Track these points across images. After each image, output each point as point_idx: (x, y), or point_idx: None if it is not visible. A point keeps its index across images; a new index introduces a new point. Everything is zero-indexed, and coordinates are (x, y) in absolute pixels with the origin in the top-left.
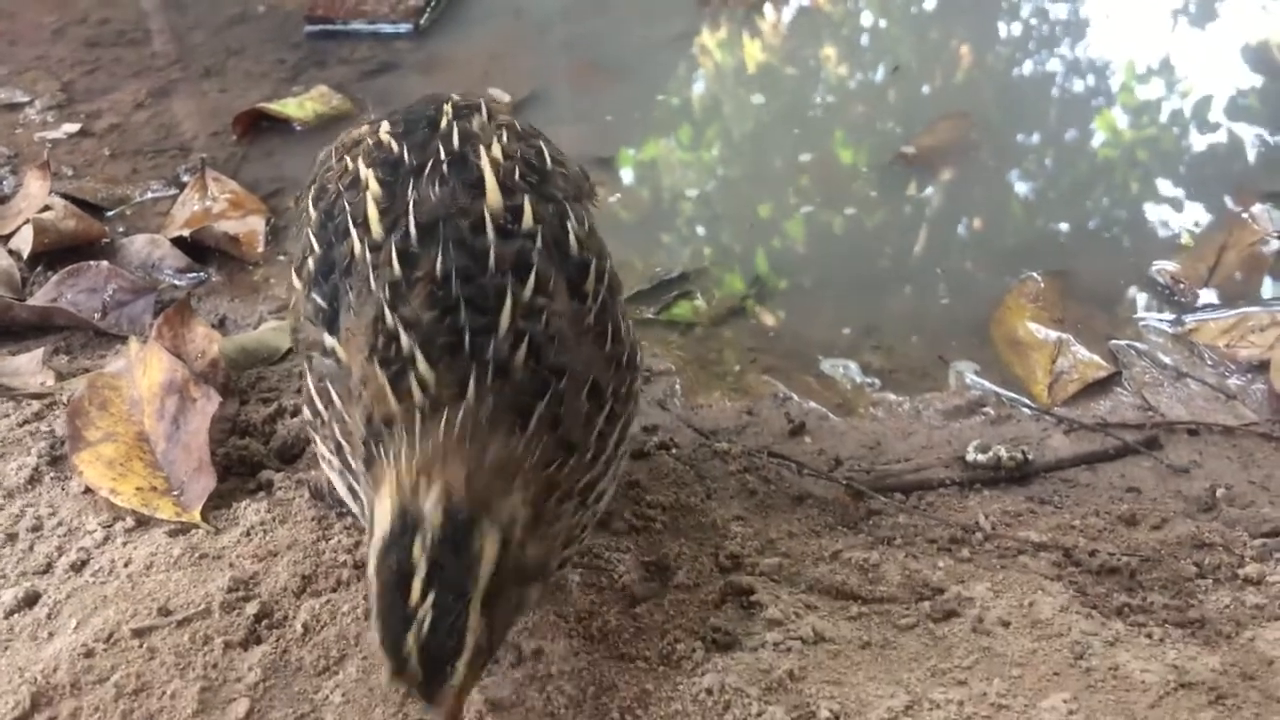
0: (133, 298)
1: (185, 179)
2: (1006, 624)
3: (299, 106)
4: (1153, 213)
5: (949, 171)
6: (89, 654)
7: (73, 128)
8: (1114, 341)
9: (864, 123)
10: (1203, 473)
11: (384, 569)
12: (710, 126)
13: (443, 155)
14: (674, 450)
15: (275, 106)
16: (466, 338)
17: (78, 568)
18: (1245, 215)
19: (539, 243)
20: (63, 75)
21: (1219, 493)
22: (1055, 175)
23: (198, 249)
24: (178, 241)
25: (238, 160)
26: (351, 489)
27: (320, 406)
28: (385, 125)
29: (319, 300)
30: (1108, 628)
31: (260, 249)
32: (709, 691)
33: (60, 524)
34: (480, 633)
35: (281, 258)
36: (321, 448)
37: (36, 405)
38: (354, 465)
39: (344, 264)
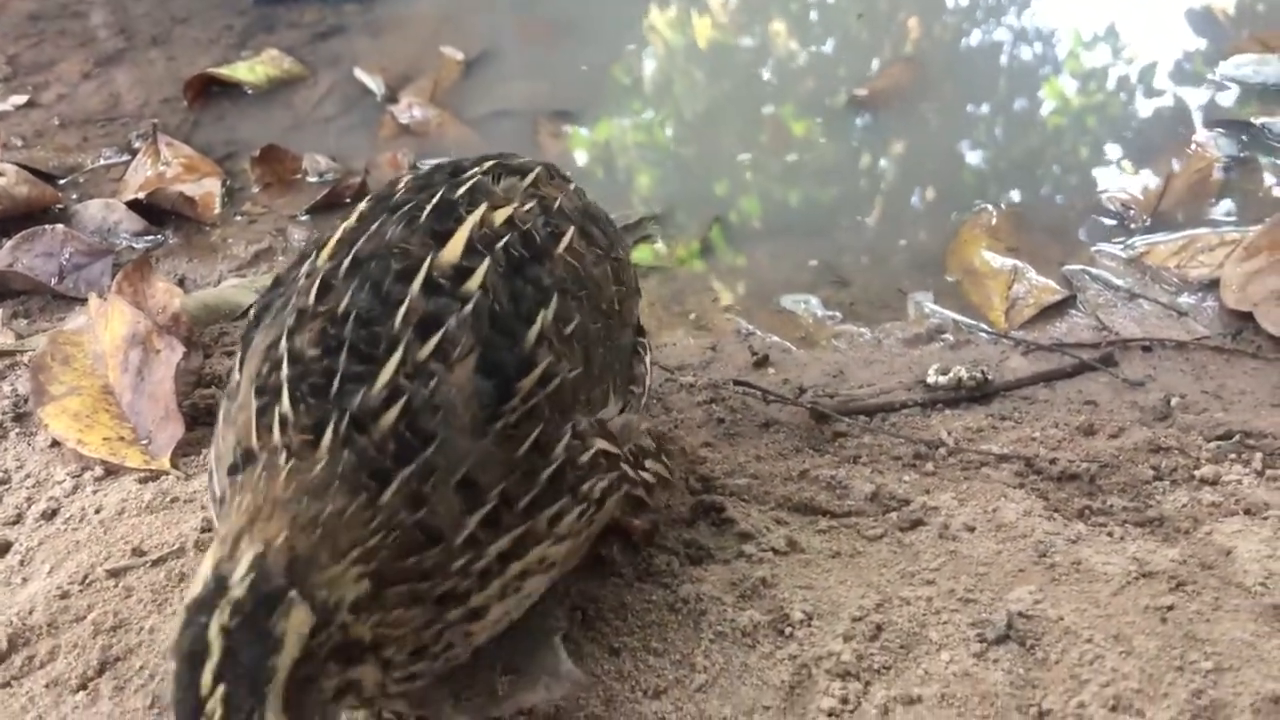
0: (90, 260)
1: (137, 145)
2: (972, 529)
3: (250, 70)
4: (1103, 145)
5: (900, 113)
6: (64, 595)
7: (20, 100)
8: (1068, 267)
9: (819, 68)
10: (1157, 385)
11: (181, 644)
12: (666, 77)
13: (435, 199)
14: None
15: (226, 71)
16: (336, 382)
17: (48, 516)
18: (1193, 143)
19: (469, 309)
20: (7, 49)
21: (1173, 402)
22: (1006, 113)
23: (154, 212)
24: (133, 205)
25: (190, 126)
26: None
27: (220, 419)
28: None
29: (260, 305)
30: (1070, 528)
31: (216, 210)
32: (685, 600)
33: (28, 476)
34: None
35: (238, 219)
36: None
37: None
38: (216, 492)
39: (291, 281)
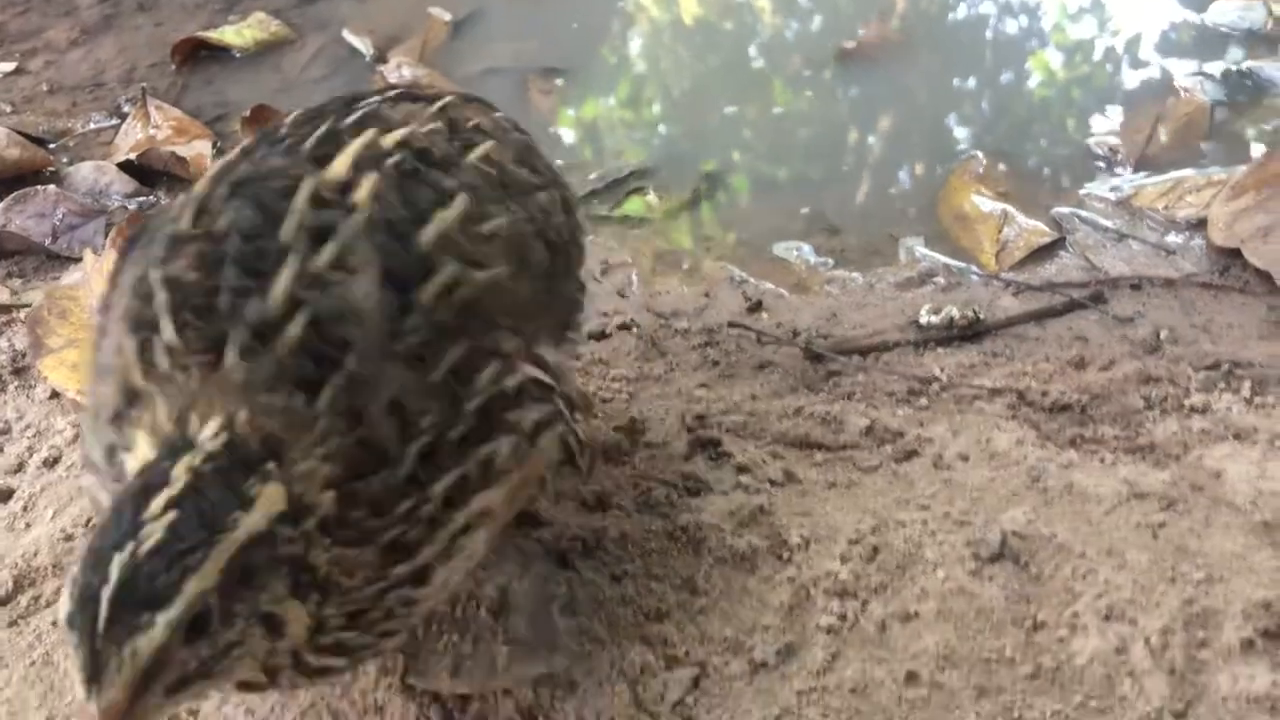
0: (83, 221)
1: (126, 109)
2: (965, 458)
3: (237, 34)
4: (1091, 90)
5: (888, 63)
6: (69, 538)
7: (8, 67)
8: (1057, 210)
9: (809, 22)
10: (1147, 321)
11: (127, 490)
12: (657, 32)
13: (320, 129)
14: (635, 329)
15: (214, 35)
16: (224, 298)
17: (50, 464)
18: (1180, 88)
19: (361, 217)
20: None
21: (1163, 335)
22: (994, 61)
23: (145, 174)
24: (124, 167)
25: (178, 89)
26: (96, 500)
27: (89, 377)
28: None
29: (129, 237)
30: (1062, 456)
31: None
32: (684, 529)
33: (29, 426)
34: (205, 599)
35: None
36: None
37: None
38: (97, 454)
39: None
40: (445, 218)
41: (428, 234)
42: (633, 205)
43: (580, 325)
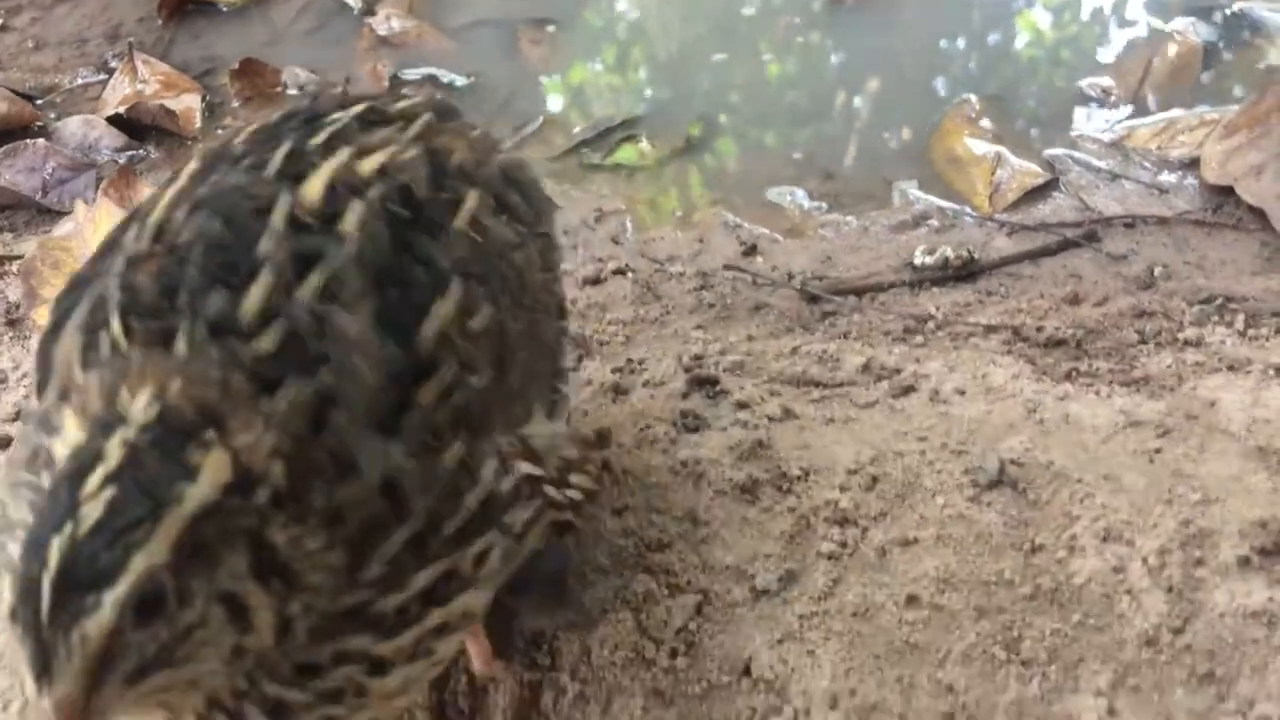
0: (73, 175)
1: (113, 65)
2: (962, 392)
3: None
4: (1083, 33)
5: (881, 8)
6: None
7: None
8: (1050, 152)
9: None
10: (1140, 258)
11: (60, 473)
12: None
13: (284, 147)
14: (630, 274)
15: None
16: (182, 294)
17: None
18: (1172, 30)
19: (353, 250)
20: None
21: (1157, 271)
22: (986, 5)
23: (134, 128)
24: (113, 121)
25: (166, 44)
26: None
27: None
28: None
29: (53, 312)
30: (1058, 389)
31: (197, 125)
32: (685, 464)
33: (25, 376)
34: (156, 576)
35: (220, 133)
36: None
37: None
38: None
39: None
40: (444, 311)
41: (428, 330)
42: (625, 153)
43: (567, 373)
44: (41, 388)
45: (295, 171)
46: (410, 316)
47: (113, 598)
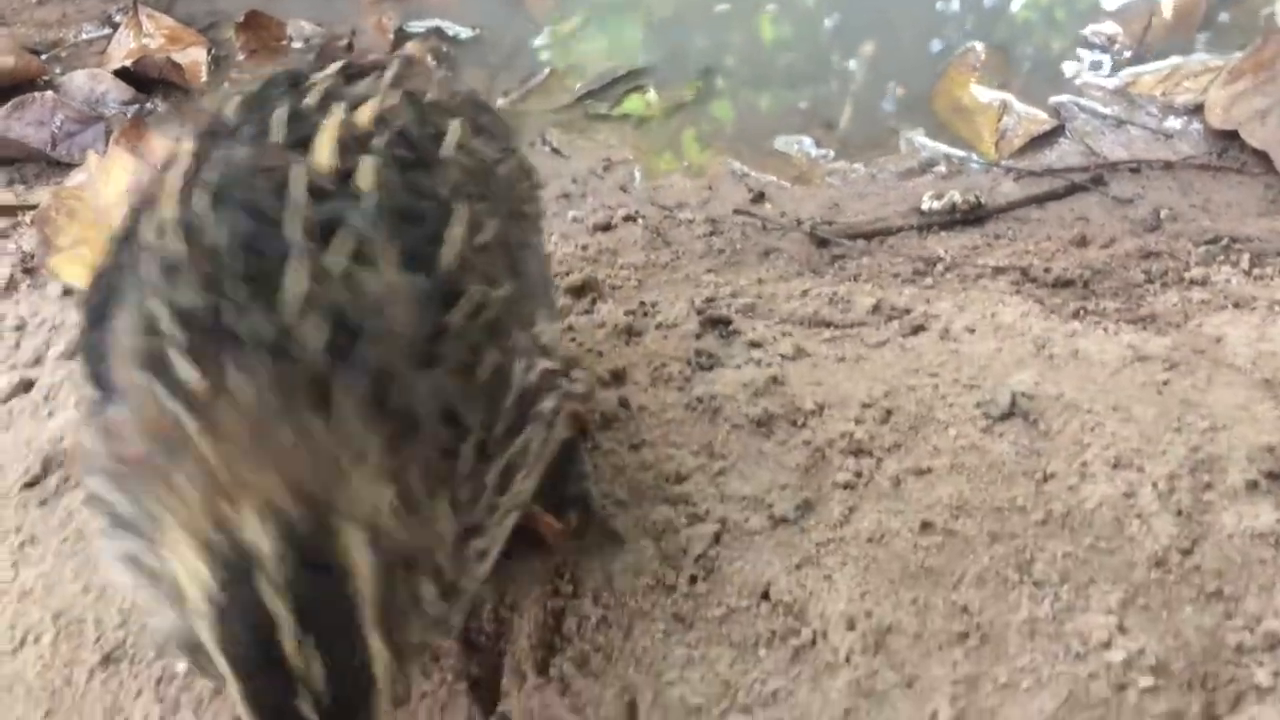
0: (82, 128)
1: (118, 19)
2: (972, 331)
3: None
4: None
5: None
6: None
7: None
8: (1055, 99)
9: None
10: (1146, 201)
11: (229, 638)
12: None
13: (280, 111)
14: (641, 220)
15: None
16: (233, 317)
17: (69, 356)
18: None
19: (370, 206)
20: None
21: (1163, 214)
22: None
23: (140, 81)
24: (120, 74)
25: None
26: (137, 562)
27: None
28: (249, 87)
29: (86, 312)
30: (1066, 326)
31: (204, 78)
32: (700, 400)
33: (44, 322)
34: (387, 658)
35: (226, 86)
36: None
37: (0, 225)
38: (132, 518)
39: (131, 260)
40: (455, 234)
41: (446, 257)
42: (632, 104)
43: (552, 281)
44: (97, 383)
45: (302, 136)
46: (430, 249)
47: (378, 703)
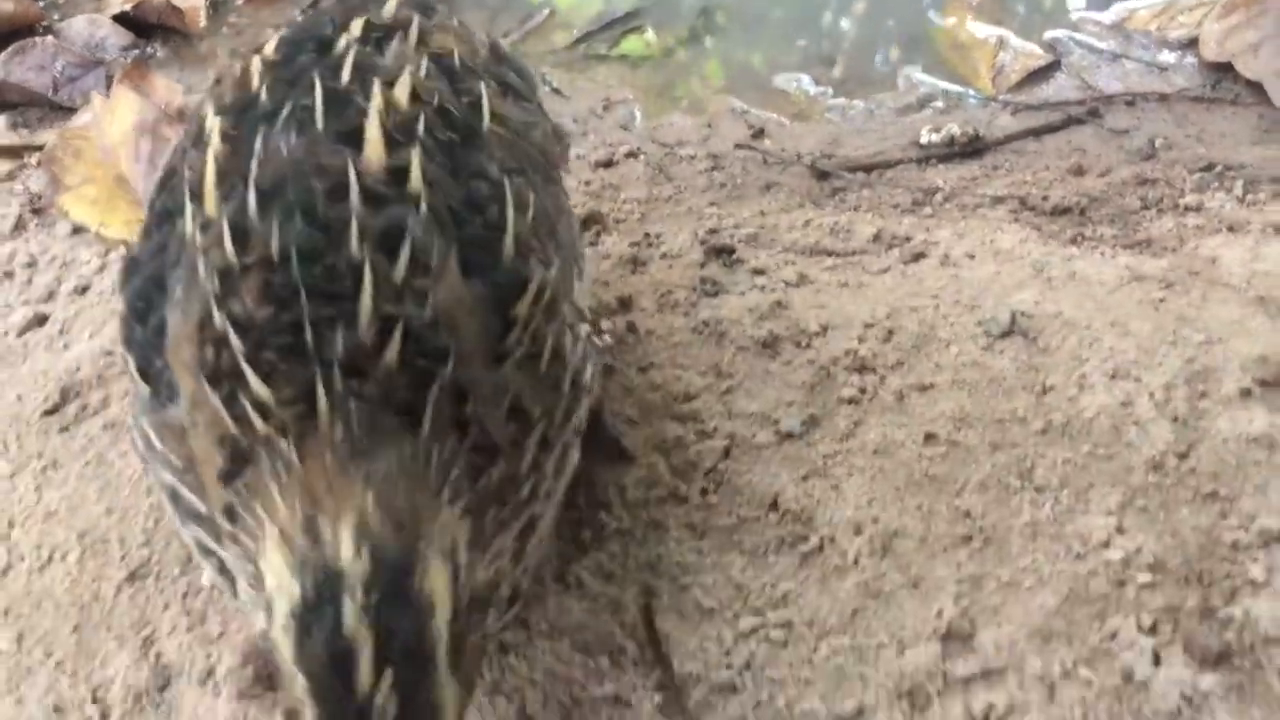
0: (82, 72)
1: None
2: (972, 256)
3: None
4: None
5: None
6: (109, 353)
7: None
8: (1051, 34)
9: None
10: (1142, 132)
11: (308, 657)
12: None
13: (318, 92)
14: (643, 156)
15: None
16: (307, 335)
17: (80, 291)
18: None
19: (423, 212)
20: None
21: (1158, 144)
22: None
23: (140, 26)
24: (119, 19)
25: None
26: (208, 550)
27: (143, 449)
28: (267, 49)
29: (130, 303)
30: (1064, 250)
31: (204, 22)
32: (706, 324)
33: (54, 259)
34: (457, 695)
35: (225, 31)
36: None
37: (6, 166)
38: (206, 515)
39: (174, 252)
40: (514, 220)
41: (508, 244)
42: (631, 44)
43: (580, 231)
44: (149, 380)
45: (346, 126)
46: (492, 237)
47: None
